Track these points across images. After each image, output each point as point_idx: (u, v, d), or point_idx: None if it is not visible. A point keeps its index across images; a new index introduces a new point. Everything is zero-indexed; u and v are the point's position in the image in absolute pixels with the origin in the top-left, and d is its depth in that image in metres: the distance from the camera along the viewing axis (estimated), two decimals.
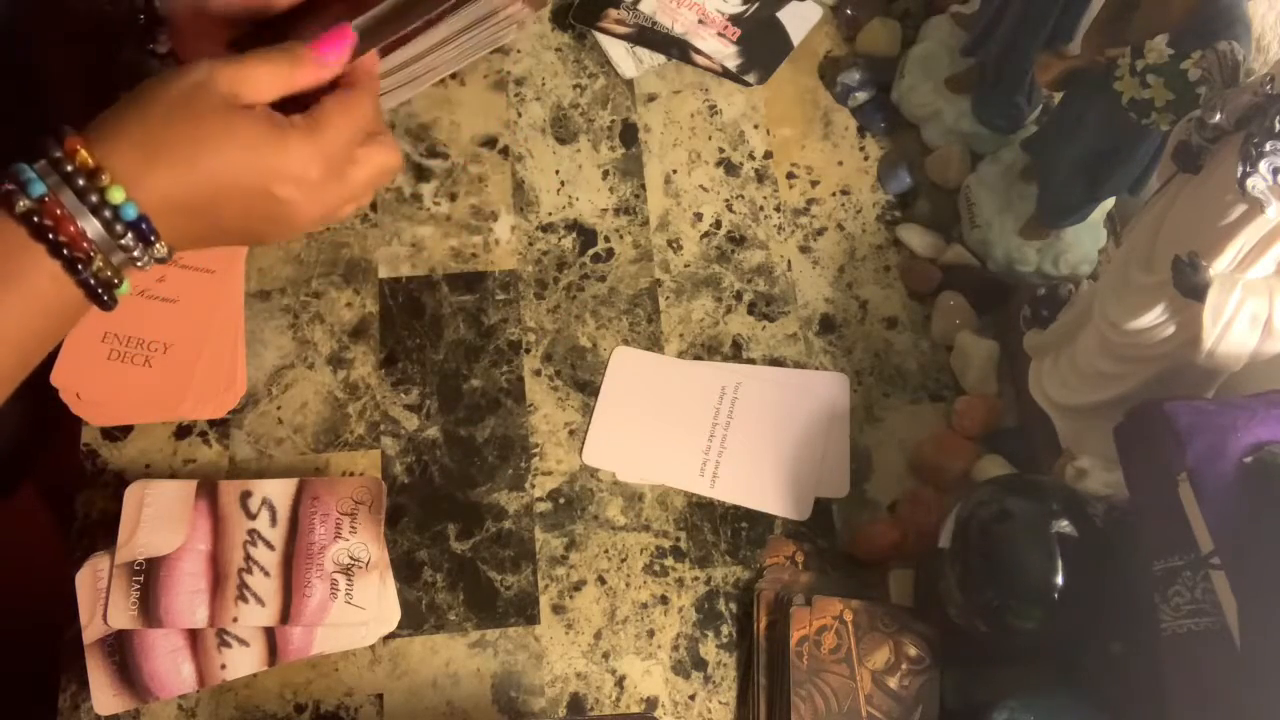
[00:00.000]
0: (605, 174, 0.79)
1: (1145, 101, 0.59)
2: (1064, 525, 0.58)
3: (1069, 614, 0.57)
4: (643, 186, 0.79)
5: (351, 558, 0.65)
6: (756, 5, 0.85)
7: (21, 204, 0.44)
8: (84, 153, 0.45)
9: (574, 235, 0.77)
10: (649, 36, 0.83)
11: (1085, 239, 0.75)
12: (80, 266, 0.45)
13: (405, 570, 0.68)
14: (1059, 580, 0.57)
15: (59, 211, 0.44)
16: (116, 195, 0.45)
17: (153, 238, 0.47)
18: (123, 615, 0.62)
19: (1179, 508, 0.51)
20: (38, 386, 0.66)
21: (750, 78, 0.83)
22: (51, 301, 0.46)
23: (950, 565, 0.61)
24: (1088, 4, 0.68)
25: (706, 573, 0.69)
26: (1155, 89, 0.58)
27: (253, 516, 0.65)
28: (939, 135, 0.81)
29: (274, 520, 0.65)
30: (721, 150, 0.81)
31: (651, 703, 0.66)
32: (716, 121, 0.82)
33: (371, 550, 0.65)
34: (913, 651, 0.63)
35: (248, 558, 0.64)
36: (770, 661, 0.65)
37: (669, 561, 0.69)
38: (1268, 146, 0.48)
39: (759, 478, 0.71)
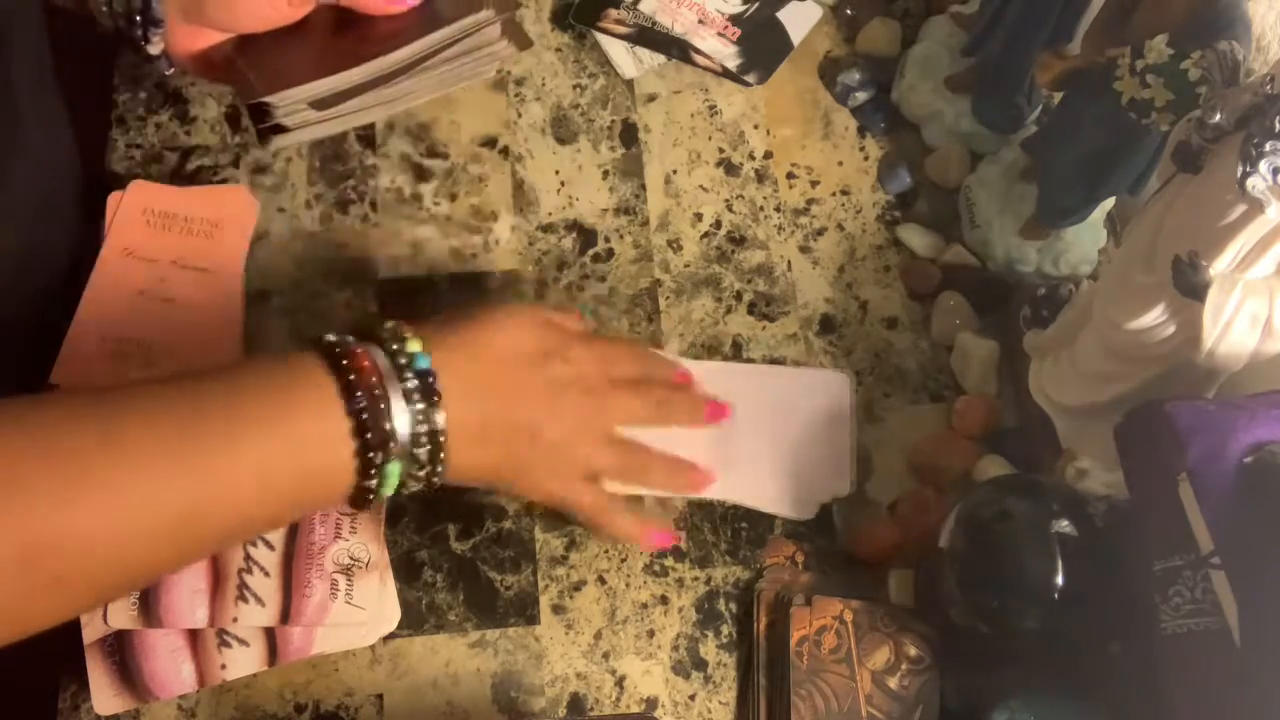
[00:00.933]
0: (605, 174, 0.79)
1: (1145, 101, 0.59)
2: (1064, 525, 0.58)
3: (1069, 614, 0.57)
4: (643, 186, 0.79)
5: (351, 558, 0.65)
6: (756, 5, 0.85)
7: (335, 348, 0.46)
8: (398, 325, 0.48)
9: (574, 235, 0.77)
10: (649, 36, 0.83)
11: (1085, 239, 0.75)
12: (359, 402, 0.45)
13: (405, 570, 0.68)
14: (1059, 580, 0.57)
15: (358, 351, 0.46)
16: (414, 345, 0.48)
17: (436, 397, 0.48)
18: (122, 615, 0.62)
19: (1179, 508, 0.51)
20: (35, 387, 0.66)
21: (750, 78, 0.83)
22: (319, 448, 0.46)
23: (950, 565, 0.61)
24: (1088, 4, 0.68)
25: (706, 573, 0.69)
26: (1155, 89, 0.58)
27: None
28: (939, 135, 0.81)
29: None
30: (721, 150, 0.81)
31: (651, 703, 0.66)
32: (716, 121, 0.82)
33: (371, 550, 0.65)
34: (913, 651, 0.63)
35: (247, 557, 0.64)
36: (770, 661, 0.65)
37: (669, 561, 0.69)
38: (1268, 146, 0.48)
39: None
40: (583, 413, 0.54)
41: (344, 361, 0.46)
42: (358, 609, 0.64)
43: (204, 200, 0.73)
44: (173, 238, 0.72)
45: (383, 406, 0.46)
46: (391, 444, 0.46)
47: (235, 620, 0.62)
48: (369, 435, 0.46)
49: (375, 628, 0.65)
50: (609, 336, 0.54)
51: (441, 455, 0.48)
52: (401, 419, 0.47)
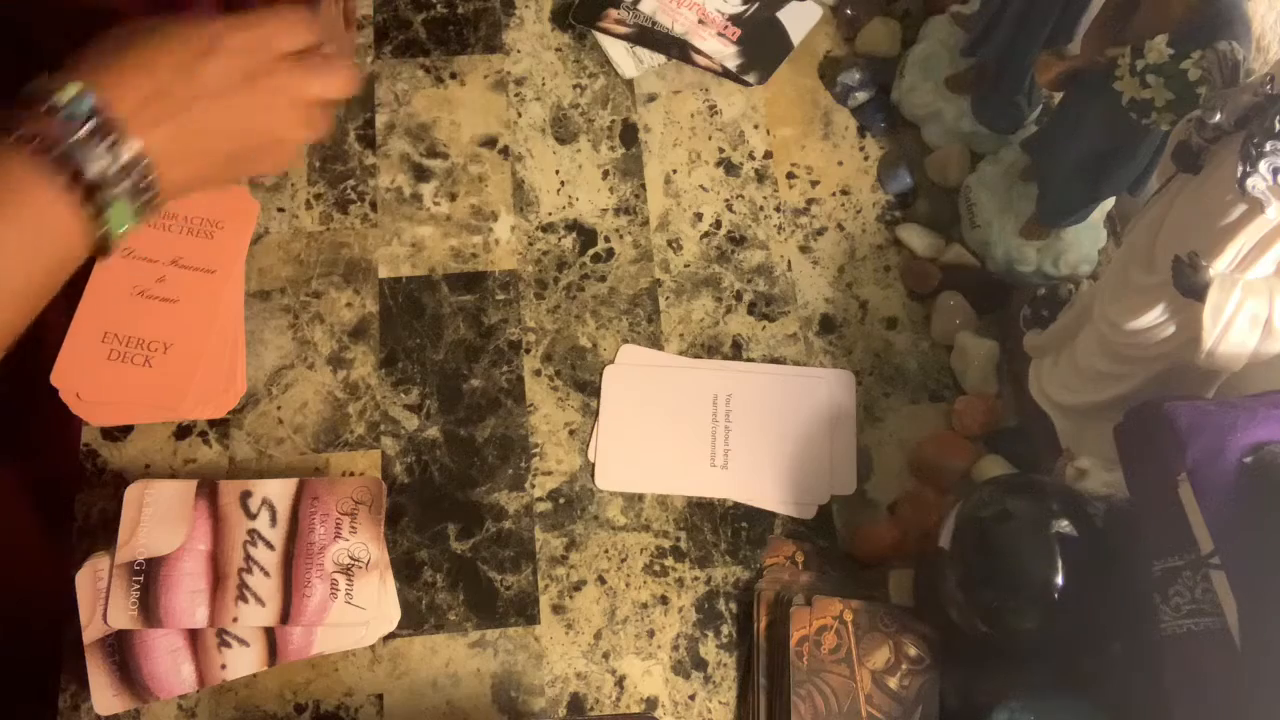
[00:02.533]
0: (605, 174, 0.79)
1: (1145, 101, 0.59)
2: (1064, 525, 0.58)
3: (1069, 614, 0.57)
4: (643, 186, 0.79)
5: (351, 558, 0.65)
6: (756, 5, 0.85)
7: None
8: (49, 77, 0.48)
9: (574, 235, 0.77)
10: (649, 36, 0.83)
11: (1085, 239, 0.75)
12: (62, 159, 0.46)
13: (405, 570, 0.68)
14: (1059, 580, 0.57)
15: (24, 119, 0.46)
16: (70, 90, 0.47)
17: (113, 132, 0.48)
18: (122, 615, 0.62)
19: (1179, 508, 0.51)
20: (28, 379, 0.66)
21: (750, 78, 0.83)
22: (46, 218, 0.47)
23: (950, 565, 0.61)
24: (1088, 4, 0.68)
25: (706, 573, 0.69)
26: (1155, 89, 0.58)
27: (253, 516, 0.65)
28: (939, 135, 0.81)
29: (274, 520, 0.65)
30: (721, 150, 0.81)
31: (651, 703, 0.66)
32: (716, 121, 0.82)
33: (371, 550, 0.65)
34: (913, 651, 0.63)
35: (248, 557, 0.64)
36: (770, 661, 0.65)
37: (669, 561, 0.69)
38: (1268, 146, 0.48)
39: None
40: (265, 96, 0.55)
41: (14, 135, 0.46)
42: (358, 609, 0.64)
43: (204, 201, 0.73)
44: (173, 238, 0.72)
45: (70, 160, 0.47)
46: (99, 191, 0.48)
47: (235, 620, 0.62)
48: (81, 186, 0.47)
49: (376, 627, 0.65)
50: (258, 12, 0.54)
51: (151, 178, 0.50)
52: (94, 164, 0.47)
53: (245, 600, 0.63)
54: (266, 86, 0.54)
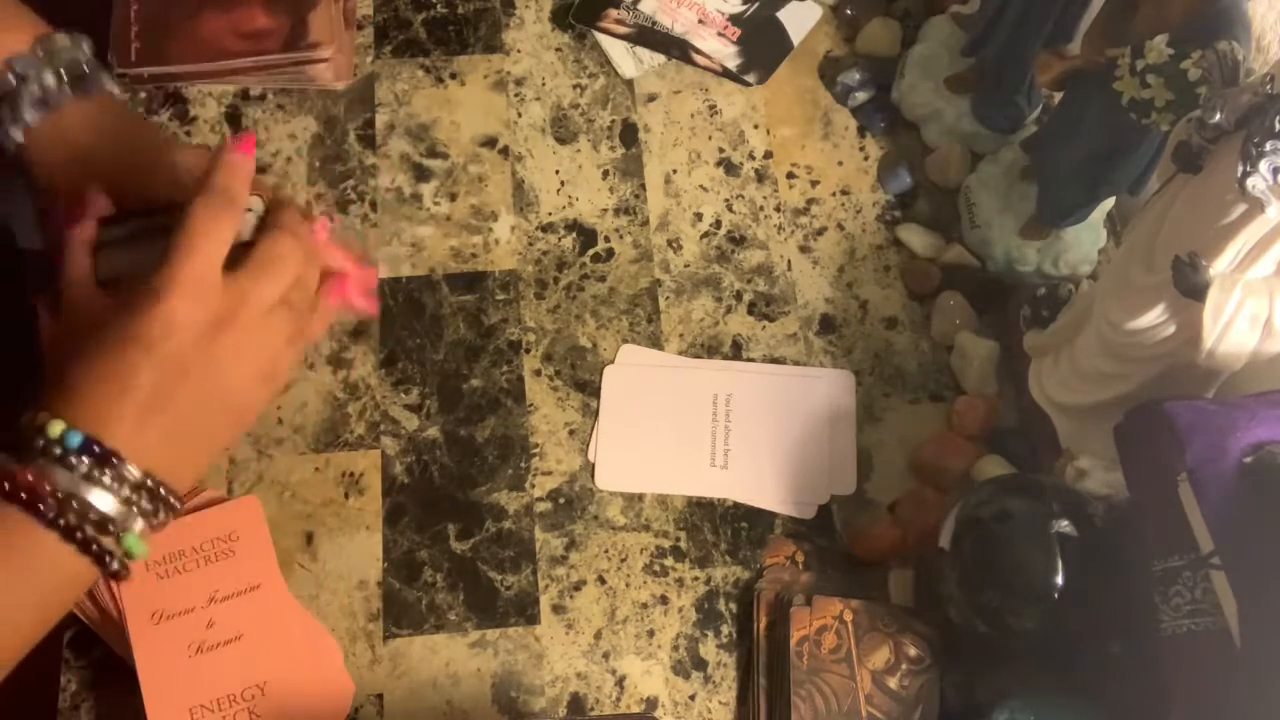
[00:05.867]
0: (605, 174, 0.79)
1: (1145, 101, 0.59)
2: (1064, 525, 0.58)
3: (1069, 614, 0.57)
4: (643, 186, 0.79)
5: None
6: (756, 5, 0.85)
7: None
8: (31, 416, 0.44)
9: (574, 235, 0.77)
10: (649, 36, 0.83)
11: (1085, 239, 0.75)
12: (59, 519, 0.43)
13: (405, 570, 0.68)
14: (1059, 580, 0.57)
15: (15, 469, 0.43)
16: (55, 429, 0.44)
17: (113, 460, 0.44)
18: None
19: (1179, 508, 0.51)
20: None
21: (750, 78, 0.83)
22: (48, 569, 0.44)
23: (950, 565, 0.61)
24: (1088, 4, 0.68)
25: (706, 573, 0.69)
26: (1155, 89, 0.58)
27: None
28: (939, 135, 0.81)
29: None
30: (721, 150, 0.81)
31: (651, 703, 0.66)
32: (716, 121, 0.82)
33: None
34: (913, 651, 0.63)
35: None
36: (770, 661, 0.65)
37: (669, 561, 0.69)
38: (1268, 146, 0.48)
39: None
40: (248, 355, 0.50)
41: (7, 488, 0.43)
42: None
43: (207, 523, 0.65)
44: (195, 577, 0.63)
45: (74, 503, 0.44)
46: (110, 525, 0.45)
47: None
48: (81, 534, 0.44)
49: None
50: (220, 278, 0.48)
51: (164, 491, 0.46)
52: (100, 499, 0.44)
53: None
54: (244, 356, 0.49)
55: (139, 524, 0.46)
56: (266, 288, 0.49)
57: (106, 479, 0.44)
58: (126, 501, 0.45)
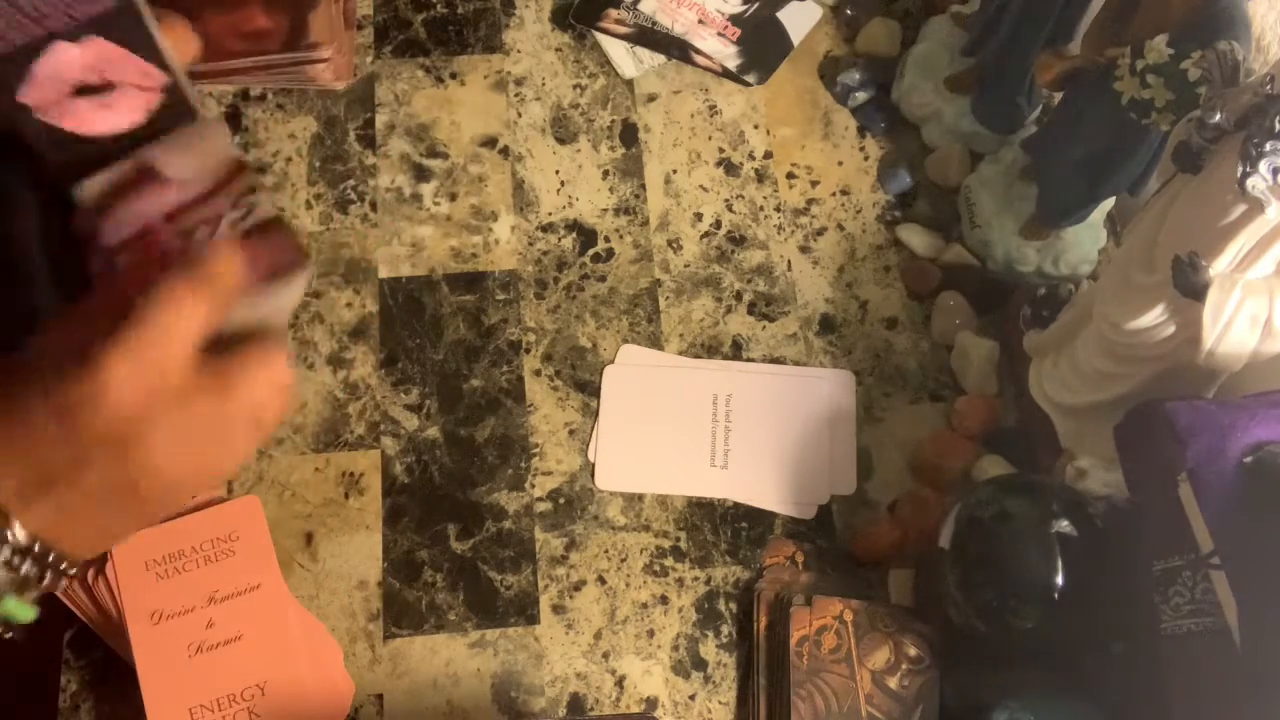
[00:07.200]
0: (605, 174, 0.79)
1: (1145, 101, 0.59)
2: (1064, 525, 0.58)
3: (1069, 614, 0.57)
4: (643, 186, 0.79)
5: None
6: (756, 5, 0.85)
7: None
8: None
9: (574, 235, 0.77)
10: (649, 36, 0.83)
11: (1085, 239, 0.75)
12: None
13: (405, 570, 0.68)
14: (1059, 580, 0.57)
15: None
16: None
17: None
18: None
19: (1179, 508, 0.51)
20: None
21: (750, 78, 0.83)
22: None
23: (950, 565, 0.60)
24: (1088, 4, 0.68)
25: (706, 573, 0.69)
26: (1155, 89, 0.58)
27: None
28: (939, 135, 0.81)
29: None
30: (721, 150, 0.81)
31: (651, 703, 0.66)
32: (716, 121, 0.82)
33: None
34: (913, 651, 0.63)
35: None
36: (770, 661, 0.65)
37: (669, 561, 0.69)
38: (1268, 146, 0.48)
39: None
40: (194, 446, 0.43)
41: None
42: None
43: (207, 523, 0.65)
44: (195, 577, 0.63)
45: None
46: None
47: None
48: None
49: None
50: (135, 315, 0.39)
51: (50, 556, 0.41)
52: None
53: None
54: (188, 446, 0.42)
55: (15, 587, 0.41)
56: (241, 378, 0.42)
57: None
58: (7, 565, 0.40)
